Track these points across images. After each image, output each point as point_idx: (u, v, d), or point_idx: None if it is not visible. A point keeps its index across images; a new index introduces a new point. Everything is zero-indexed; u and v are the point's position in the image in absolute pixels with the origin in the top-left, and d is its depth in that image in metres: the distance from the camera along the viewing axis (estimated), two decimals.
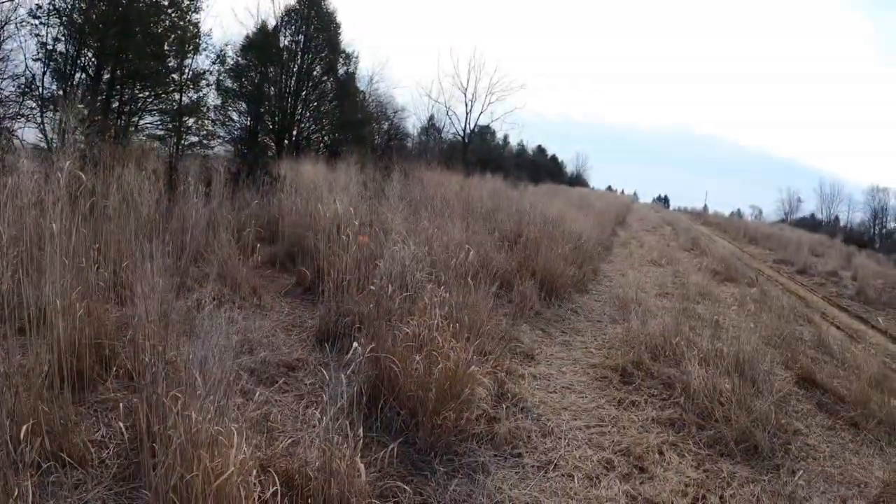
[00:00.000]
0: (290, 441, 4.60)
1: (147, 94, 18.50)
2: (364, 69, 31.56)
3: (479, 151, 44.13)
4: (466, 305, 6.96)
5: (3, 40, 15.96)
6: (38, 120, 16.05)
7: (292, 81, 24.03)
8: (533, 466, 5.28)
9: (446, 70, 59.28)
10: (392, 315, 6.08)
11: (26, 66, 16.12)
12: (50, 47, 16.50)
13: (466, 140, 41.23)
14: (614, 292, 12.22)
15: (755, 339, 8.26)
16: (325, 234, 8.28)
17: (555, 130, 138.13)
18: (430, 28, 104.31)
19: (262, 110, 23.16)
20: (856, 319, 14.35)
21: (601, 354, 8.32)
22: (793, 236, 37.53)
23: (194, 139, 20.03)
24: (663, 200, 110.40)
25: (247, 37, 23.23)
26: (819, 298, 16.89)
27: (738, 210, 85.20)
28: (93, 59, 17.24)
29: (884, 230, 67.93)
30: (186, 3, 18.88)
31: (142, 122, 18.63)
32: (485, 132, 48.05)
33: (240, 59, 22.87)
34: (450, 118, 41.33)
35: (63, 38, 16.74)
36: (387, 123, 31.89)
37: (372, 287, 6.47)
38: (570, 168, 79.27)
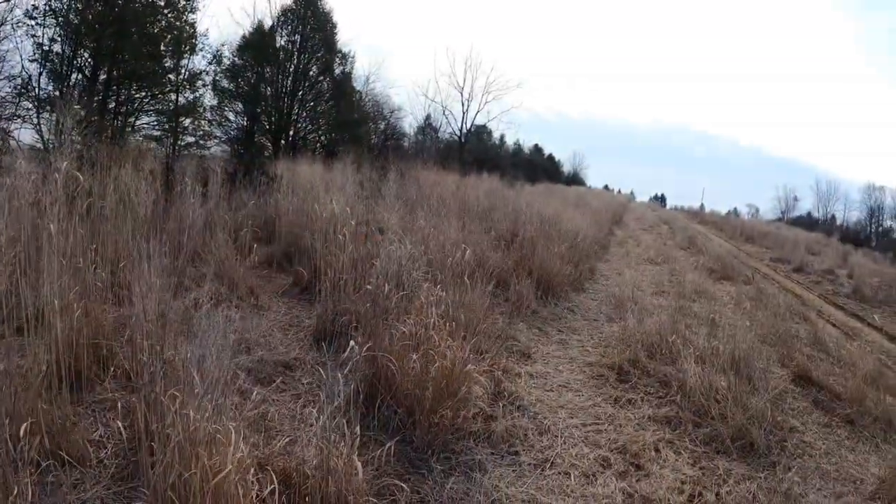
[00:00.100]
0: (287, 440, 4.62)
1: (143, 94, 18.49)
2: (360, 69, 31.57)
3: (476, 151, 44.18)
4: (463, 304, 6.98)
5: (0, 41, 15.97)
6: (35, 121, 16.05)
7: (289, 81, 24.03)
8: (530, 464, 5.30)
9: (443, 69, 59.06)
10: (389, 314, 6.09)
11: (23, 66, 16.13)
12: (46, 48, 16.49)
13: (463, 139, 41.25)
14: (611, 291, 12.24)
15: (751, 337, 8.28)
16: (322, 234, 8.29)
17: (551, 129, 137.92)
18: (427, 28, 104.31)
19: (259, 110, 23.17)
20: (852, 317, 14.38)
21: (598, 353, 8.34)
22: (789, 235, 37.55)
23: (191, 139, 20.05)
24: (660, 199, 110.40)
25: (243, 37, 23.26)
26: (815, 296, 16.92)
27: (735, 209, 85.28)
28: (89, 60, 17.24)
29: (880, 228, 68.04)
30: (183, 3, 18.88)
31: (138, 122, 18.63)
32: (481, 131, 48.12)
33: (236, 59, 22.88)
34: (446, 118, 41.38)
35: (59, 39, 16.73)
36: (383, 123, 31.92)
37: (368, 286, 6.49)
38: (566, 167, 79.36)
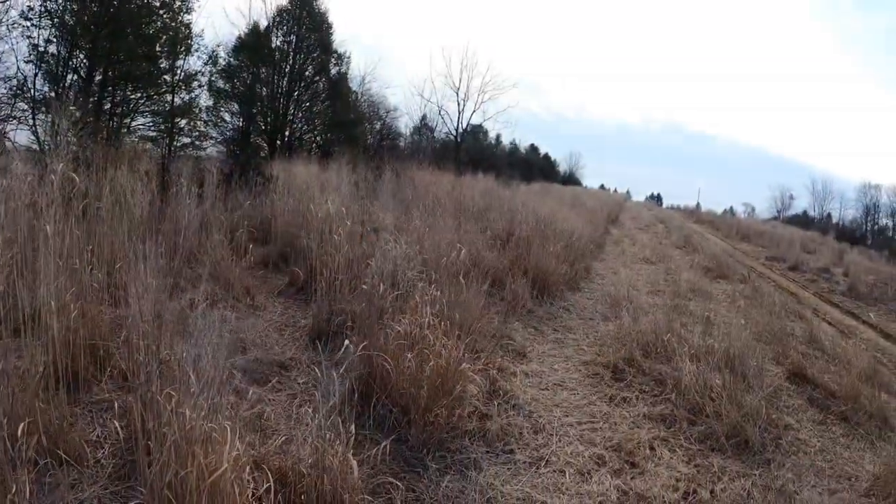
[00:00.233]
0: (283, 439, 4.63)
1: (139, 95, 18.42)
2: (356, 69, 31.46)
3: (472, 150, 44.11)
4: (458, 304, 6.99)
5: None
6: (31, 122, 16.02)
7: (284, 82, 23.99)
8: (525, 462, 5.33)
9: (439, 69, 59.14)
10: (384, 313, 6.12)
11: (18, 68, 16.06)
12: (41, 49, 16.42)
13: (459, 139, 41.22)
14: (606, 290, 12.26)
15: (746, 335, 8.32)
16: (318, 234, 8.30)
17: (548, 129, 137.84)
18: (423, 28, 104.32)
19: (255, 111, 23.12)
20: (847, 315, 14.42)
21: (593, 352, 8.36)
22: (785, 233, 37.60)
23: (186, 140, 19.94)
24: (656, 199, 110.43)
25: (238, 37, 23.19)
26: (811, 295, 16.95)
27: (731, 207, 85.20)
28: (84, 61, 17.19)
29: (876, 227, 68.10)
30: (178, 4, 18.81)
31: (134, 123, 18.54)
32: (477, 131, 48.04)
33: (232, 59, 22.81)
34: (442, 118, 41.36)
35: (55, 40, 16.67)
36: (379, 123, 31.89)
37: (364, 286, 6.51)
38: (562, 167, 79.29)
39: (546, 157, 70.95)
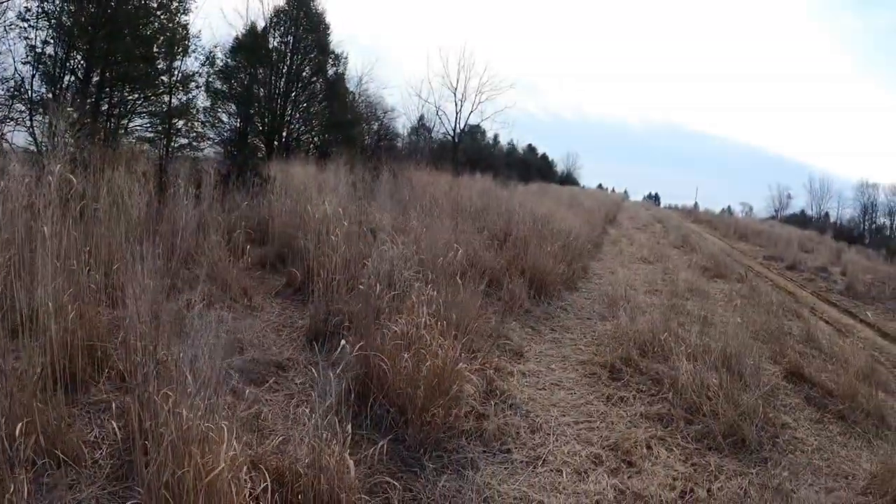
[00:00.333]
0: (280, 439, 4.64)
1: (136, 96, 18.44)
2: (353, 70, 31.46)
3: (470, 151, 44.11)
4: (455, 304, 7.00)
5: None
6: (28, 123, 16.02)
7: (282, 83, 24.00)
8: (522, 462, 5.33)
9: (436, 70, 59.17)
10: (381, 314, 6.13)
11: (15, 69, 16.07)
12: (39, 50, 16.44)
13: (456, 139, 41.25)
14: (604, 290, 12.25)
15: (743, 334, 8.33)
16: (315, 235, 8.31)
17: (546, 129, 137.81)
18: (420, 28, 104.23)
19: (252, 112, 23.13)
20: (845, 314, 14.43)
21: (590, 351, 8.37)
22: (783, 232, 37.67)
23: (184, 141, 19.98)
24: (654, 198, 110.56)
25: (236, 38, 23.20)
26: (808, 294, 16.96)
27: (729, 207, 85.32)
28: (82, 62, 17.19)
29: (873, 226, 68.08)
30: (175, 4, 18.83)
31: (131, 124, 18.56)
32: (475, 131, 48.05)
33: (229, 60, 22.83)
34: (440, 118, 41.38)
35: (52, 41, 16.69)
36: (376, 124, 31.90)
37: (361, 286, 6.52)
38: (560, 167, 79.25)
39: (544, 157, 70.96)
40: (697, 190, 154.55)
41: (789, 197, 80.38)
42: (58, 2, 16.69)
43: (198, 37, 20.07)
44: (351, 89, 28.45)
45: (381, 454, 4.74)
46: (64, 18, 16.77)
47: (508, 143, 60.14)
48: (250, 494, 3.70)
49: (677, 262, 18.20)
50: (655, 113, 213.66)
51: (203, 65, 20.74)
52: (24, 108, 16.20)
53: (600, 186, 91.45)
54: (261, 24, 23.77)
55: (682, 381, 6.88)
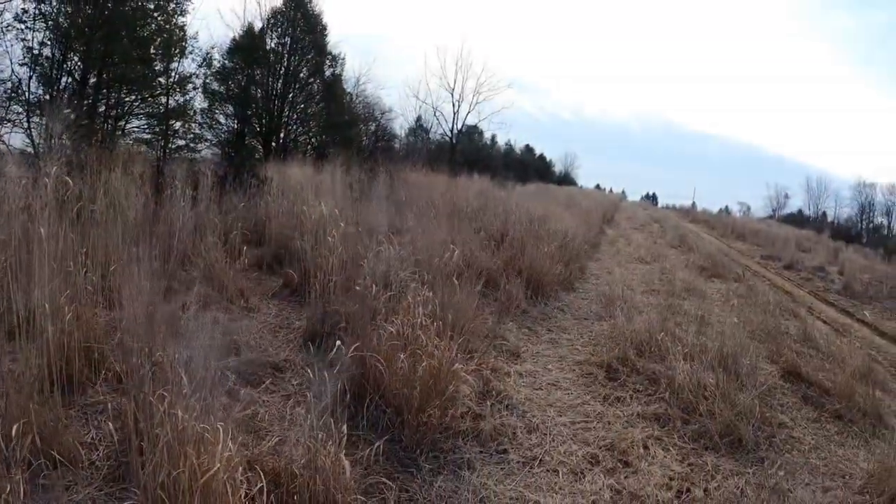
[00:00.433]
0: (277, 440, 4.65)
1: (133, 97, 18.39)
2: (351, 71, 31.45)
3: (467, 151, 44.12)
4: (451, 304, 7.00)
5: None
6: (25, 125, 16.00)
7: (279, 84, 23.96)
8: (518, 462, 5.34)
9: (433, 70, 59.17)
10: (377, 315, 6.14)
11: (12, 70, 16.03)
12: (36, 52, 16.41)
13: (454, 140, 41.23)
14: (601, 290, 12.27)
15: (740, 333, 8.34)
16: (312, 236, 8.32)
17: (543, 130, 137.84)
18: (417, 29, 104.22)
19: (249, 113, 23.08)
20: (842, 313, 14.46)
21: (587, 351, 8.38)
22: (780, 232, 37.68)
23: (181, 142, 19.93)
24: (652, 198, 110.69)
25: (233, 39, 23.13)
26: (806, 293, 16.99)
27: (727, 207, 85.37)
28: (79, 64, 17.15)
29: (871, 225, 68.14)
30: (172, 6, 18.80)
31: (128, 126, 18.50)
32: (472, 132, 48.02)
33: (226, 61, 22.75)
34: (437, 119, 41.34)
35: (49, 43, 16.66)
36: (374, 125, 31.87)
37: (357, 287, 6.52)
38: (558, 167, 79.24)
39: (541, 157, 70.98)
40: (695, 190, 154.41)
41: (787, 196, 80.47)
42: (55, 3, 16.67)
43: (195, 38, 20.03)
44: (348, 90, 28.45)
45: (377, 455, 4.76)
46: (61, 20, 16.74)
47: (506, 144, 60.22)
48: (246, 495, 3.71)
49: (674, 261, 18.23)
50: (653, 113, 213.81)
51: (200, 66, 20.69)
52: (21, 109, 16.19)
53: (598, 187, 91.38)
54: (258, 26, 23.73)
55: (678, 380, 6.89)
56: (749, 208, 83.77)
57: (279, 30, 24.31)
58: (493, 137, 55.25)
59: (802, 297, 16.03)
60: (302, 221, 9.37)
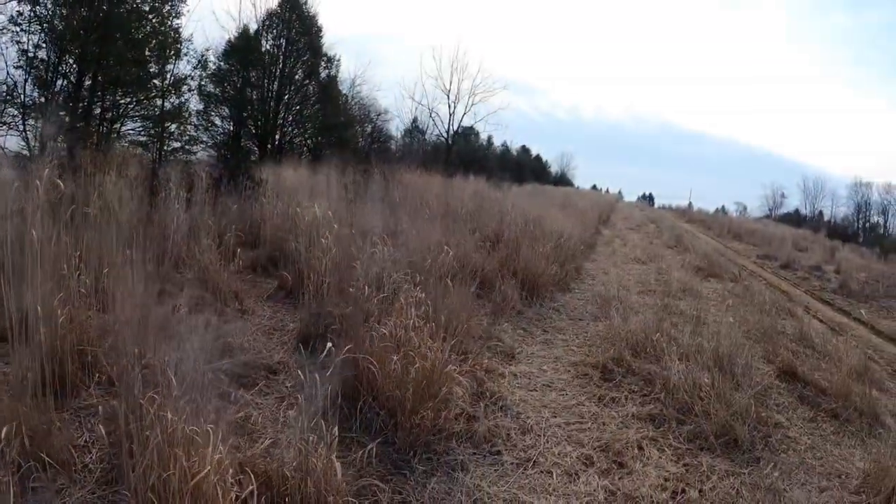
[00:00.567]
0: (269, 442, 4.64)
1: (129, 100, 18.42)
2: (346, 72, 31.50)
3: (463, 152, 44.16)
4: (445, 306, 6.99)
5: None
6: (21, 128, 16.00)
7: (275, 85, 23.99)
8: (512, 464, 5.32)
9: (429, 71, 59.11)
10: (370, 316, 6.13)
11: (7, 73, 16.06)
12: (31, 54, 16.44)
13: (450, 141, 41.23)
14: (597, 290, 12.27)
15: (736, 333, 8.34)
16: (306, 238, 8.31)
17: (539, 131, 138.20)
18: (414, 31, 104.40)
19: (245, 115, 23.12)
20: (839, 312, 14.47)
21: (582, 352, 8.36)
22: (777, 232, 37.78)
23: (177, 145, 19.99)
24: (648, 199, 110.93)
25: (228, 41, 23.20)
26: (802, 292, 17.00)
27: (723, 207, 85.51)
28: (74, 66, 17.17)
29: (867, 224, 68.32)
30: (167, 8, 18.84)
31: (124, 128, 18.56)
32: (468, 133, 48.10)
33: (222, 63, 22.83)
34: (433, 120, 41.35)
35: (44, 45, 16.69)
36: (370, 126, 31.90)
37: (350, 289, 6.52)
38: (554, 168, 79.47)
39: (538, 158, 71.24)
40: (692, 190, 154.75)
41: (783, 196, 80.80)
42: (50, 6, 16.70)
43: (190, 40, 20.10)
44: (344, 92, 28.49)
45: (370, 457, 4.75)
46: (56, 22, 16.76)
47: (502, 145, 60.31)
48: (237, 498, 3.70)
49: (671, 261, 18.22)
50: (650, 114, 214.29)
51: (195, 68, 20.78)
52: (16, 112, 16.18)
53: (594, 187, 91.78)
54: (253, 27, 23.80)
55: (674, 381, 6.88)
56: (746, 208, 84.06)
57: (274, 31, 24.39)
58: (490, 138, 55.45)
59: (799, 297, 16.05)
60: (296, 223, 9.36)
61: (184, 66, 20.09)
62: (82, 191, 7.04)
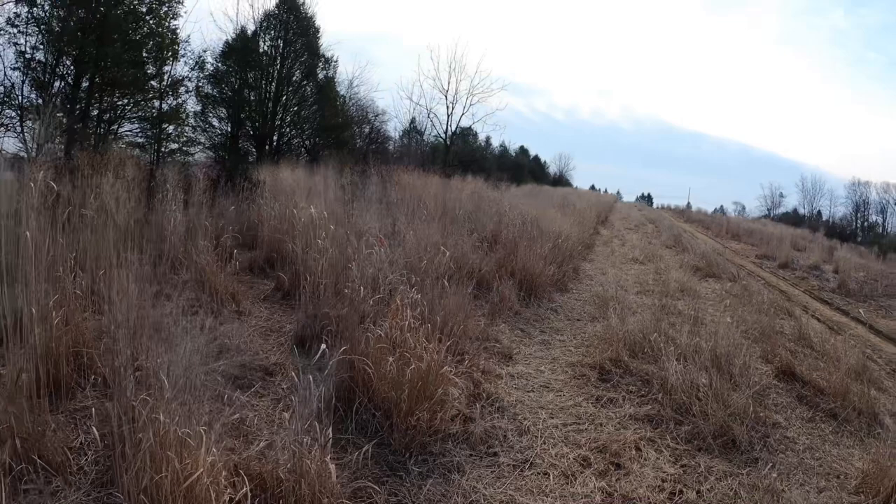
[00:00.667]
0: (264, 444, 4.62)
1: (126, 101, 18.40)
2: (344, 73, 31.52)
3: (462, 153, 44.16)
4: (441, 306, 6.98)
5: None
6: (18, 129, 15.99)
7: (272, 86, 23.97)
8: (509, 465, 5.30)
9: (427, 72, 59.06)
10: (365, 317, 6.12)
11: (5, 74, 16.05)
12: (28, 56, 16.44)
13: (448, 142, 41.22)
14: (595, 291, 12.27)
15: (734, 333, 8.33)
16: (303, 239, 8.30)
17: (538, 131, 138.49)
18: (412, 32, 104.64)
19: (243, 116, 23.11)
20: (837, 312, 14.49)
21: (580, 353, 8.35)
22: (775, 231, 37.78)
23: (175, 146, 19.99)
24: (647, 199, 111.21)
25: (226, 42, 23.18)
26: (801, 292, 17.02)
27: (722, 207, 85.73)
28: (71, 68, 17.15)
29: (866, 223, 68.40)
30: (164, 9, 18.82)
31: (121, 129, 18.54)
32: (467, 134, 48.11)
33: (219, 64, 22.82)
34: (431, 121, 41.33)
35: (42, 47, 16.68)
36: (368, 127, 31.90)
37: (346, 290, 6.50)
38: (553, 168, 79.59)
39: (536, 158, 71.28)
40: (690, 190, 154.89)
41: (782, 196, 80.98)
42: (47, 7, 16.68)
43: (187, 41, 20.11)
44: (342, 92, 28.50)
45: (365, 458, 4.74)
46: (53, 24, 16.75)
47: (500, 146, 60.38)
48: (231, 500, 3.69)
49: (669, 262, 18.22)
50: (649, 114, 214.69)
51: (193, 69, 20.78)
52: (14, 113, 16.17)
53: (593, 188, 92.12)
54: (251, 28, 23.78)
55: (671, 381, 6.85)
56: (744, 208, 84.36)
57: (272, 32, 24.37)
58: (488, 139, 55.52)
59: (797, 296, 16.07)
60: (293, 224, 9.35)
61: (181, 68, 20.13)
62: (79, 192, 7.03)
